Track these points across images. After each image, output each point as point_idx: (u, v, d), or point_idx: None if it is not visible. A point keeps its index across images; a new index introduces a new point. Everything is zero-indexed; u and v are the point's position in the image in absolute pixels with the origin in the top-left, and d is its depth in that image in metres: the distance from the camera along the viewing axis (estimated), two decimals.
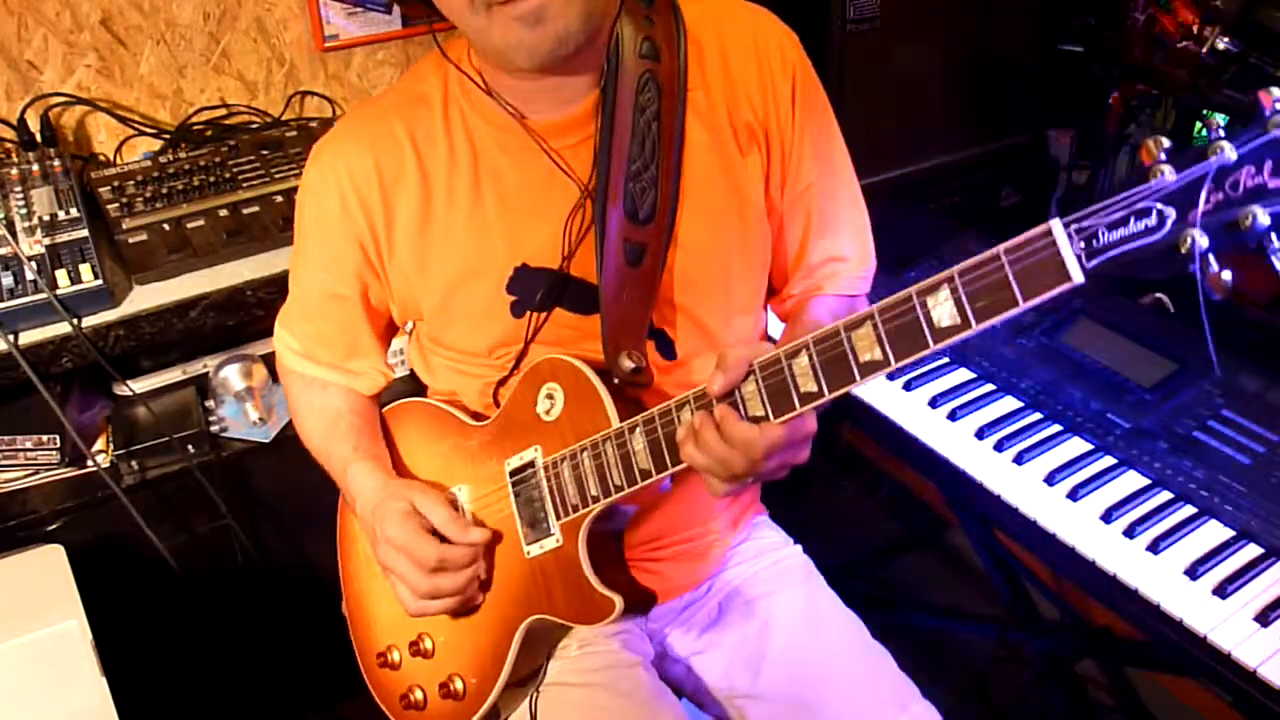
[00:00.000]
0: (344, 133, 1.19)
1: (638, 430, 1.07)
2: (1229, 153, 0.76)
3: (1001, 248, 0.83)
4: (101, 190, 1.75)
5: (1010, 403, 1.61)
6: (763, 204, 1.19)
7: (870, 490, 2.62)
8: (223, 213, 1.73)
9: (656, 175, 1.11)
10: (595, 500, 1.11)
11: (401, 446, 1.32)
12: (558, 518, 1.15)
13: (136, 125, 1.93)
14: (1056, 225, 0.80)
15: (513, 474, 1.19)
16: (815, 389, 0.95)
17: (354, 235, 1.17)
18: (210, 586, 1.80)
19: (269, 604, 1.85)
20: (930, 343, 0.88)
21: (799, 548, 1.42)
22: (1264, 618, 1.24)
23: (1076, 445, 1.52)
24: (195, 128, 1.97)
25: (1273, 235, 0.77)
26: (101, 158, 1.93)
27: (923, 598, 2.37)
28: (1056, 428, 1.55)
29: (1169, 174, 0.77)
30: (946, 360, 1.73)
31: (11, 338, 1.51)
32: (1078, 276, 0.80)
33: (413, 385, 1.39)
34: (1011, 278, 0.83)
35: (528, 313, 1.16)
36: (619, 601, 1.12)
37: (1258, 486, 1.39)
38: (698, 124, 1.14)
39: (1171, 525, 1.37)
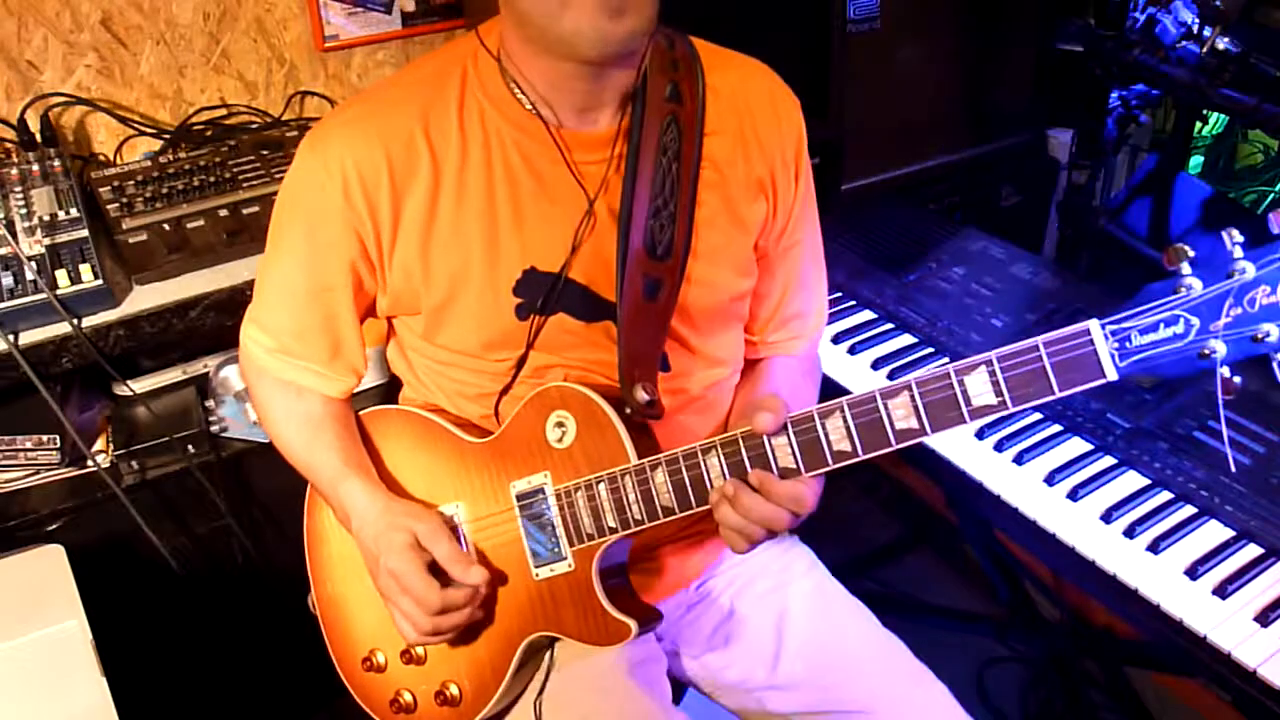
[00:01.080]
0: (352, 121, 1.15)
1: (660, 469, 1.09)
2: (1249, 272, 0.85)
3: (1041, 340, 0.91)
4: (101, 190, 1.75)
5: None
6: (753, 248, 1.25)
7: (870, 490, 2.62)
8: (223, 213, 1.73)
9: (674, 213, 1.15)
10: (613, 531, 1.13)
11: (385, 456, 1.29)
12: (570, 544, 1.15)
13: (136, 125, 1.93)
14: (1095, 326, 0.89)
15: (520, 497, 1.18)
16: (849, 449, 1.00)
17: (353, 226, 1.14)
18: (210, 586, 1.79)
19: (269, 604, 1.85)
20: (967, 418, 0.95)
21: (796, 538, 1.43)
22: (1264, 618, 1.24)
23: (1076, 445, 1.52)
24: (195, 128, 1.97)
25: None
26: (101, 158, 1.93)
27: (923, 598, 2.37)
28: (1056, 428, 1.55)
29: (1195, 285, 0.87)
30: (947, 360, 1.72)
31: (11, 338, 1.51)
32: (1112, 375, 0.89)
33: (380, 397, 1.37)
34: (1050, 369, 0.91)
35: (531, 316, 1.16)
36: (634, 626, 1.13)
37: (1258, 486, 1.39)
38: (711, 167, 1.18)
39: (1171, 525, 1.37)
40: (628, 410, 1.13)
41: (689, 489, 1.08)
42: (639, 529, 1.12)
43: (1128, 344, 0.88)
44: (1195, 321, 0.87)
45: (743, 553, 1.09)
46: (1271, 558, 1.32)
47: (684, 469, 1.08)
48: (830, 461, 1.02)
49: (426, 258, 1.15)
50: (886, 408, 0.97)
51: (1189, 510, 1.40)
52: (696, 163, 1.16)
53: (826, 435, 1.01)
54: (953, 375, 0.94)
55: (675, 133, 1.15)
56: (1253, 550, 1.33)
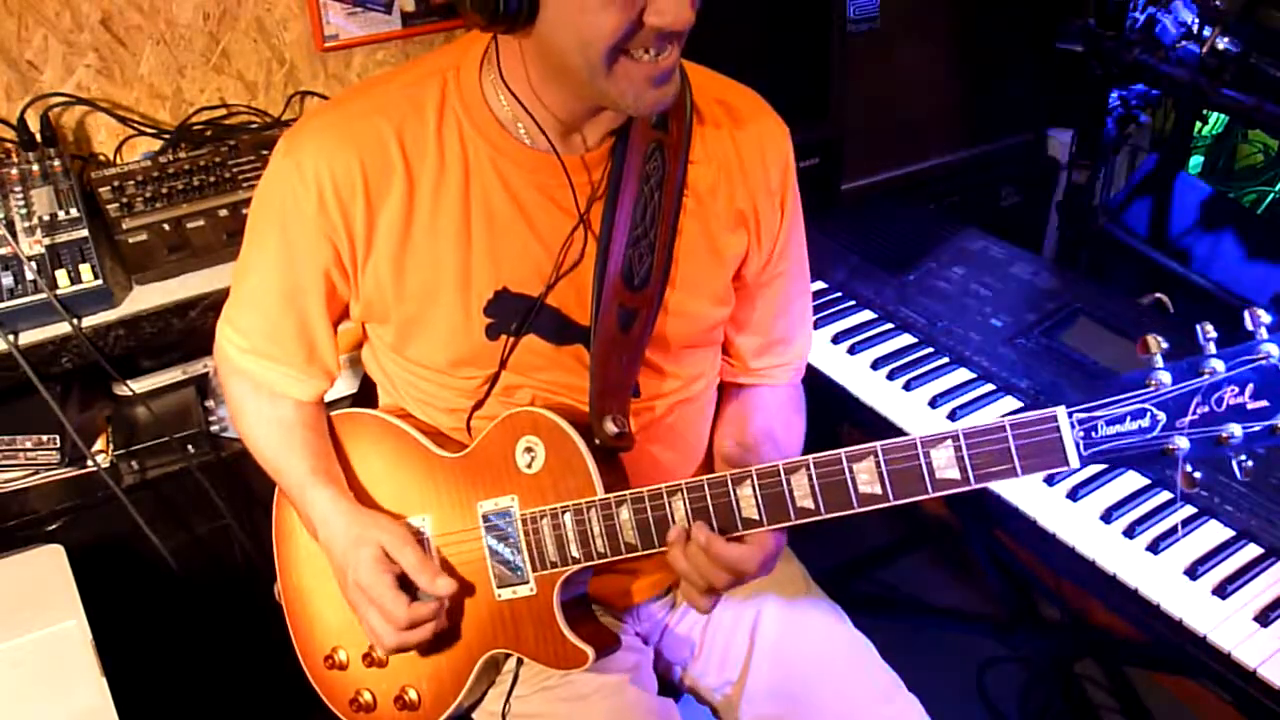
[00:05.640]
0: (328, 128, 1.12)
1: (625, 506, 1.09)
2: (1220, 370, 0.84)
3: (1008, 421, 0.90)
4: (101, 190, 1.75)
5: (1010, 403, 1.61)
6: (732, 278, 1.24)
7: None
8: (223, 213, 1.73)
9: (654, 242, 1.14)
10: (576, 561, 1.13)
11: (355, 462, 1.28)
12: (533, 569, 1.15)
13: (136, 125, 1.93)
14: (1061, 413, 0.88)
15: (486, 518, 1.17)
16: (812, 506, 1.00)
17: (328, 234, 1.12)
18: (210, 586, 1.80)
19: (269, 604, 1.85)
20: (929, 490, 0.94)
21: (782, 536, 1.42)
22: (1264, 618, 1.24)
23: None
24: (195, 128, 1.97)
25: (1243, 454, 0.86)
26: (101, 158, 1.93)
27: (923, 598, 2.37)
28: None
29: (1165, 380, 0.86)
30: (946, 360, 1.73)
31: (11, 338, 1.51)
32: (1075, 463, 0.89)
33: (351, 405, 1.36)
34: (1014, 450, 0.90)
35: (502, 336, 1.15)
36: (591, 654, 1.13)
37: (1258, 486, 1.39)
38: (693, 195, 1.17)
39: (1171, 525, 1.37)
40: (597, 441, 1.12)
41: (653, 529, 1.08)
42: (602, 561, 1.12)
43: (1094, 434, 0.88)
44: (1162, 416, 0.86)
45: (701, 610, 1.09)
46: (1271, 558, 1.32)
47: (649, 509, 1.08)
48: (793, 517, 1.02)
49: (399, 270, 1.13)
50: (851, 470, 0.97)
51: (1189, 510, 1.40)
52: (679, 192, 1.15)
53: (791, 491, 1.01)
54: (919, 446, 0.94)
55: (659, 160, 1.13)
56: (1253, 550, 1.33)
